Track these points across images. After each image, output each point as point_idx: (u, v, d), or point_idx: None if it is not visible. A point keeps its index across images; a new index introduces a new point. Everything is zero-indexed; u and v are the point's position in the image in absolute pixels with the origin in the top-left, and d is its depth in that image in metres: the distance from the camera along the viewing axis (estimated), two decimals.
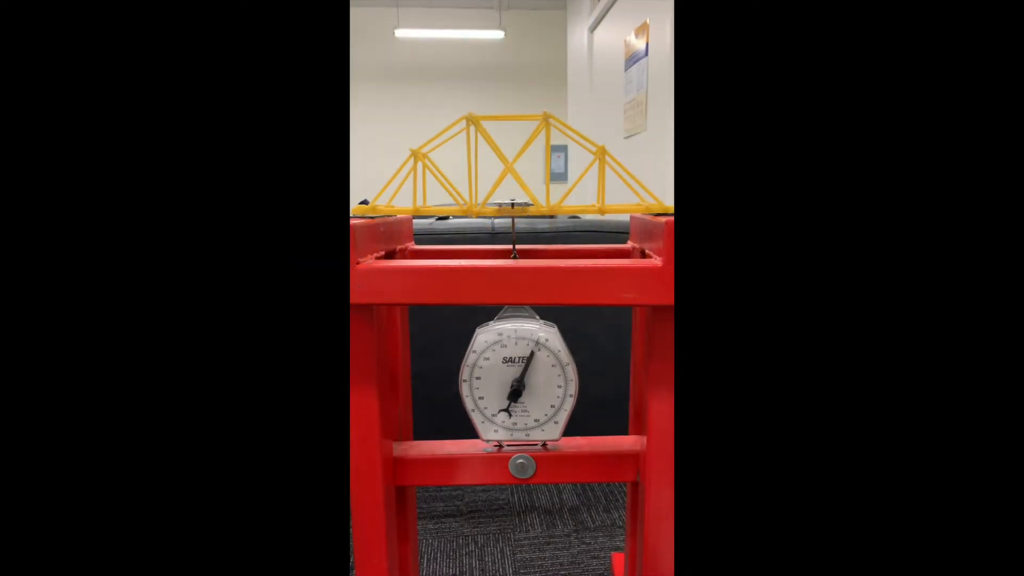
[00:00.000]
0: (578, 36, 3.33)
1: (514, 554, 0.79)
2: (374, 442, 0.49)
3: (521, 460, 0.50)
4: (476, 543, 0.82)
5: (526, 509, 0.91)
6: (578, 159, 4.00)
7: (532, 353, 0.50)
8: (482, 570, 0.76)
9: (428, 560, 0.78)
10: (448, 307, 0.73)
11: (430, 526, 0.86)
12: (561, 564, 0.77)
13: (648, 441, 0.48)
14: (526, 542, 0.82)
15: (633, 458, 0.50)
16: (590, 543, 0.81)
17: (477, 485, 0.98)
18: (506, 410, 0.50)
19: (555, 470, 0.50)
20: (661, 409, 0.46)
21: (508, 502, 0.93)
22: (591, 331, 0.97)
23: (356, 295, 0.42)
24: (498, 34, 4.43)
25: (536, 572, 0.76)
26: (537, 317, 0.52)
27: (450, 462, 0.51)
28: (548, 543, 0.82)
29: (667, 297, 0.40)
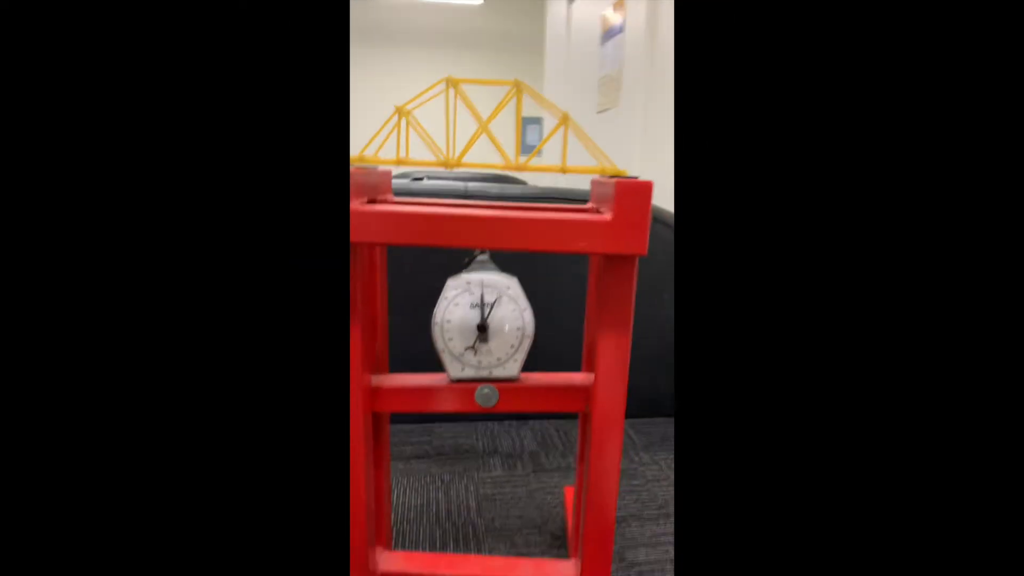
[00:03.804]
0: (557, 7, 3.32)
1: (477, 490, 0.87)
2: (356, 371, 0.55)
3: (486, 390, 0.57)
4: (442, 480, 0.89)
5: (489, 452, 0.98)
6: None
7: (496, 299, 0.56)
8: (447, 502, 0.84)
9: (398, 494, 0.85)
10: (422, 276, 0.78)
11: (400, 466, 0.93)
12: (519, 498, 0.85)
13: (596, 376, 0.55)
14: (488, 480, 0.90)
15: (584, 391, 0.57)
16: (546, 482, 0.90)
17: (445, 429, 1.05)
18: (472, 347, 0.57)
19: (516, 400, 0.57)
20: (607, 348, 0.53)
21: (473, 447, 1.00)
22: (552, 293, 1.03)
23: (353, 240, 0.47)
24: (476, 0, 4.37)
25: (496, 504, 0.83)
26: (499, 271, 0.58)
27: (423, 391, 0.57)
28: (508, 481, 0.90)
29: (615, 247, 0.46)
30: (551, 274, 1.07)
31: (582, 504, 0.61)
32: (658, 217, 1.09)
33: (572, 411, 0.58)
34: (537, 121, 4.83)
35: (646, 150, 1.97)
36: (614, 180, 0.46)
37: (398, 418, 1.02)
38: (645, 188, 0.46)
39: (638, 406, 1.17)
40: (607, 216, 0.47)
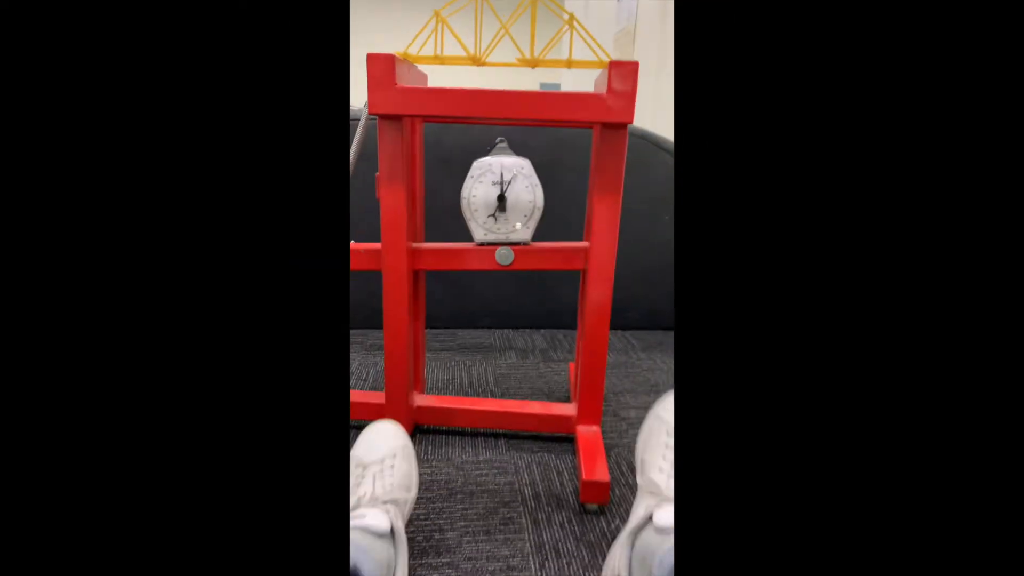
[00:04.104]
0: None
1: (495, 371, 1.01)
2: (399, 235, 0.68)
3: (504, 251, 0.70)
4: (465, 365, 1.04)
5: (505, 348, 1.12)
6: None
7: (513, 176, 0.69)
8: (470, 377, 0.98)
9: (428, 371, 1.00)
10: (451, 167, 0.90)
11: (429, 355, 1.07)
12: (530, 377, 0.99)
13: (592, 233, 0.68)
14: (504, 365, 1.04)
15: (583, 252, 0.70)
16: (553, 368, 1.04)
17: (467, 333, 1.19)
18: (493, 216, 0.70)
19: (529, 259, 0.70)
20: (601, 208, 0.66)
21: (492, 344, 1.14)
22: (562, 181, 1.16)
23: (391, 108, 0.60)
24: None
25: (511, 379, 0.98)
26: (515, 155, 0.70)
27: (453, 252, 0.71)
28: (521, 366, 1.04)
29: (607, 116, 0.59)
30: (560, 165, 1.19)
31: (579, 357, 0.75)
32: (661, 145, 1.20)
33: (574, 268, 0.71)
34: (554, 86, 4.92)
35: (658, 101, 2.05)
36: (608, 62, 0.58)
37: (427, 323, 1.16)
38: (633, 67, 0.57)
39: (639, 319, 1.30)
40: (604, 95, 0.59)
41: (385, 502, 0.49)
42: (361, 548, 0.42)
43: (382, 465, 0.53)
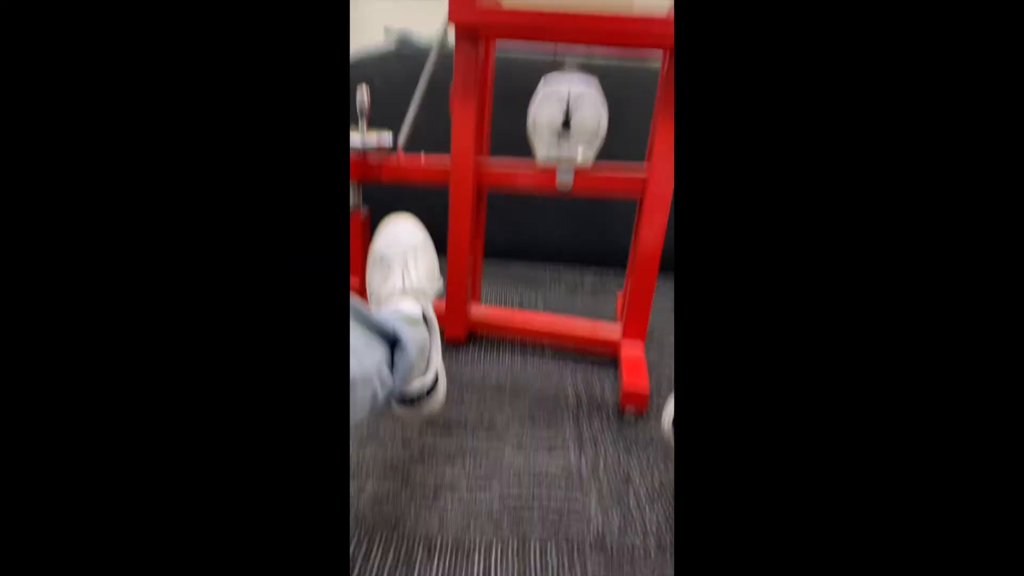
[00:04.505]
0: None
1: (545, 298, 1.07)
2: (468, 150, 0.73)
3: (565, 176, 0.74)
4: (517, 292, 1.10)
5: (555, 282, 1.17)
6: None
7: (580, 95, 0.72)
8: (521, 302, 1.04)
9: (483, 295, 1.06)
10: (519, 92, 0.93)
11: (484, 282, 1.13)
12: (578, 306, 1.04)
13: (652, 164, 0.70)
14: (553, 296, 1.09)
15: (642, 182, 0.73)
16: (601, 300, 1.08)
17: (520, 266, 1.25)
18: (557, 133, 0.73)
19: (587, 181, 0.74)
20: (664, 136, 0.68)
21: (542, 279, 1.19)
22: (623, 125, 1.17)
23: (470, 18, 0.64)
24: None
25: (560, 308, 1.03)
26: (585, 74, 0.72)
27: (516, 169, 0.75)
28: (570, 298, 1.09)
29: (672, 42, 0.60)
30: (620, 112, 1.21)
31: (629, 279, 0.78)
32: None
33: (630, 196, 0.74)
34: None
35: None
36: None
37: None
38: None
39: None
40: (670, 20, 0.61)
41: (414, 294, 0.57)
42: (399, 321, 0.48)
43: (404, 259, 0.59)
